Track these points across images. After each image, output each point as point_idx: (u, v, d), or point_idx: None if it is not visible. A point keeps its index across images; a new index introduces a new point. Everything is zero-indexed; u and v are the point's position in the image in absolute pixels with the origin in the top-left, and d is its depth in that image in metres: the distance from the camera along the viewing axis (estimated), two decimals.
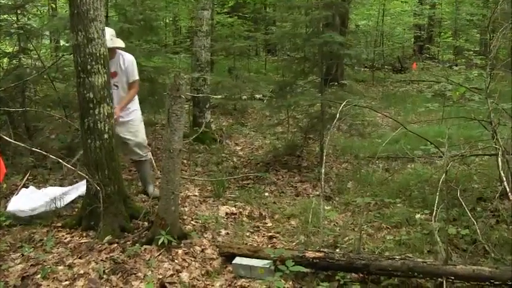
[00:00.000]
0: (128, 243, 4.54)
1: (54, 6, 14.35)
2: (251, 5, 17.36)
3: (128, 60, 5.67)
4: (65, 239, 4.67)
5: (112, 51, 5.38)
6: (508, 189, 3.96)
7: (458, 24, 21.14)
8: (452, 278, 3.64)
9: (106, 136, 4.74)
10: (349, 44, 7.53)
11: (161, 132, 8.51)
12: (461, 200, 4.38)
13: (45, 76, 7.59)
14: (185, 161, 7.32)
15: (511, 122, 5.19)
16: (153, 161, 5.72)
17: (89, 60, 4.59)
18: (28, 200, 5.25)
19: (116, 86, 5.59)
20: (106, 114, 4.72)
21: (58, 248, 4.47)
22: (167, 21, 18.24)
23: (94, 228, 4.75)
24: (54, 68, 7.90)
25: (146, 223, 4.89)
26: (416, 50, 22.57)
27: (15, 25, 7.21)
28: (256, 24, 17.01)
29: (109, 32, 5.24)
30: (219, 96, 10.78)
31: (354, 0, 11.91)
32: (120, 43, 5.59)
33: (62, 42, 11.24)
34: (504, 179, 4.05)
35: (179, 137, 4.42)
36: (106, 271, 4.07)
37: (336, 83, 11.69)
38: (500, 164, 4.20)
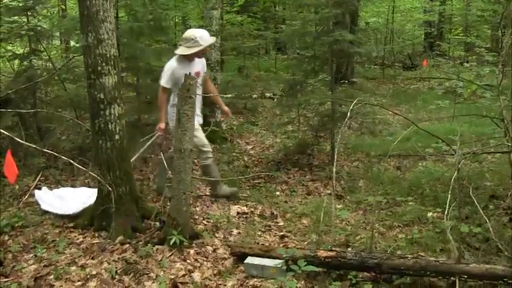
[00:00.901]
0: (140, 243, 4.56)
1: (64, 7, 14.40)
2: (260, 3, 17.32)
3: (204, 60, 5.87)
4: (77, 239, 4.70)
5: (202, 50, 5.57)
6: None
7: (469, 21, 20.93)
8: (465, 276, 3.62)
9: (117, 137, 4.76)
10: (359, 42, 7.49)
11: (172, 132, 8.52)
12: (473, 198, 4.36)
13: (56, 77, 7.62)
14: (196, 161, 7.32)
15: None
16: (164, 161, 5.72)
17: (99, 61, 4.61)
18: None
19: (200, 85, 5.64)
20: (117, 115, 4.74)
21: (70, 249, 4.50)
22: (177, 20, 18.26)
23: (106, 229, 4.78)
24: (65, 69, 7.94)
25: (158, 223, 4.90)
26: (427, 47, 22.45)
27: (26, 27, 7.24)
28: (266, 23, 16.98)
29: (204, 32, 5.54)
30: (229, 95, 10.78)
31: None
32: (212, 40, 5.75)
33: (72, 43, 11.32)
34: None
35: (190, 137, 4.43)
36: (118, 271, 4.09)
37: (347, 81, 11.63)
38: None
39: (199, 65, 5.74)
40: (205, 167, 5.88)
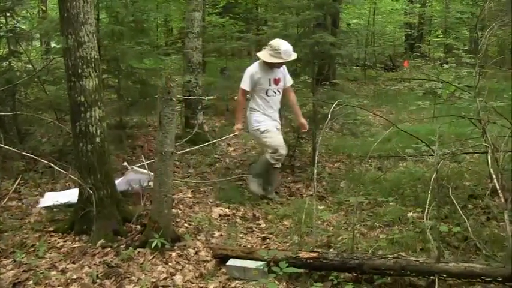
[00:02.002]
0: (121, 246, 4.54)
1: (44, 8, 14.28)
2: (242, 5, 17.34)
3: (285, 67, 6.00)
4: (58, 243, 4.66)
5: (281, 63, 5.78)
6: (498, 187, 3.99)
7: (449, 23, 21.20)
8: (445, 275, 3.66)
9: (98, 140, 4.74)
10: (340, 44, 7.53)
11: (153, 134, 8.50)
12: (452, 197, 4.42)
13: (35, 79, 7.57)
14: (177, 163, 7.31)
15: (500, 119, 5.21)
16: (146, 164, 5.70)
17: (80, 63, 4.59)
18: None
19: (279, 91, 5.93)
20: (98, 117, 4.71)
21: (51, 253, 4.46)
22: (158, 22, 18.21)
23: (87, 232, 4.75)
24: (45, 71, 7.88)
25: (139, 226, 4.88)
26: (408, 48, 22.65)
27: (4, 28, 7.18)
28: (248, 25, 16.99)
29: (289, 47, 5.69)
30: (211, 97, 10.77)
31: (344, 0, 11.90)
32: (294, 56, 5.84)
33: (52, 45, 11.21)
34: (494, 176, 4.07)
35: (171, 139, 4.42)
36: (99, 275, 4.06)
37: (328, 83, 11.66)
38: (490, 161, 4.22)
39: (280, 73, 5.92)
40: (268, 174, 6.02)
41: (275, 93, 5.91)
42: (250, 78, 5.76)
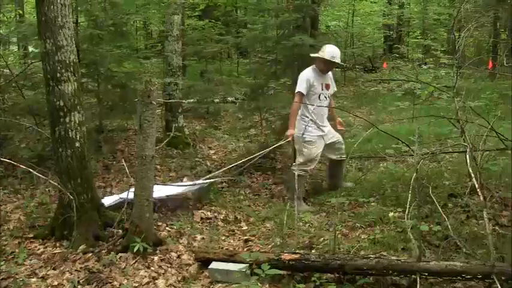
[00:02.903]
0: (103, 251, 4.51)
1: (21, 12, 14.11)
2: (222, 8, 17.32)
3: (333, 74, 6.16)
4: (38, 250, 4.61)
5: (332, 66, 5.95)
6: (476, 185, 4.03)
7: (426, 24, 21.43)
8: (426, 274, 3.70)
9: (78, 144, 4.71)
10: (319, 46, 7.56)
11: (134, 138, 8.46)
12: (433, 197, 4.45)
13: (13, 84, 7.48)
14: (158, 167, 7.28)
15: (478, 118, 5.27)
16: (126, 168, 5.67)
17: (59, 67, 4.56)
18: None
19: (328, 97, 6.03)
20: (77, 122, 4.69)
21: (31, 260, 4.42)
22: (138, 25, 18.12)
23: (68, 238, 4.72)
24: (23, 76, 7.80)
25: (121, 231, 4.85)
26: (387, 50, 22.84)
27: None
28: (228, 27, 16.98)
29: (338, 50, 5.87)
30: (192, 100, 10.74)
31: (323, 2, 11.98)
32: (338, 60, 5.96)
33: (30, 49, 11.10)
34: (473, 175, 4.12)
35: (152, 143, 4.41)
36: (81, 281, 4.04)
37: None
38: (468, 160, 4.27)
39: (329, 79, 6.04)
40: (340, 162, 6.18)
41: (326, 98, 5.98)
42: (307, 83, 5.80)
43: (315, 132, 5.89)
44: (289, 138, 5.80)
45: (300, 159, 5.86)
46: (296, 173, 5.57)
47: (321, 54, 5.85)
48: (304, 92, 5.80)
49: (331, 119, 6.24)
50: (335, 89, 6.26)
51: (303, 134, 5.81)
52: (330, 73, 6.06)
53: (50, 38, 4.51)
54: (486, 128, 4.80)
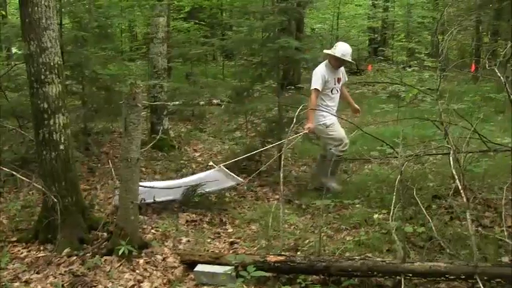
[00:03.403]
0: (88, 255, 4.49)
1: (4, 13, 13.98)
2: (207, 10, 17.32)
3: (343, 69, 6.47)
4: (21, 254, 4.57)
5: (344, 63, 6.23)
6: (460, 187, 4.07)
7: (411, 27, 21.61)
8: (410, 275, 3.73)
9: (62, 147, 4.67)
10: (305, 48, 7.59)
11: (119, 141, 8.42)
12: (417, 198, 4.49)
13: None
14: (144, 169, 7.26)
15: (461, 121, 5.33)
16: (112, 170, 5.65)
17: (43, 70, 4.53)
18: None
19: (339, 90, 6.36)
20: (61, 124, 4.65)
21: (14, 264, 4.38)
22: (123, 27, 18.05)
23: (52, 242, 4.68)
24: (6, 77, 7.73)
25: (106, 234, 4.83)
26: (371, 52, 22.96)
27: None
28: (213, 30, 16.99)
29: (349, 48, 6.16)
30: (177, 103, 10.72)
31: (308, 5, 12.00)
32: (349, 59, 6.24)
33: (14, 51, 11.00)
34: (456, 176, 4.16)
35: (137, 145, 4.39)
36: (65, 285, 4.01)
37: (293, 87, 11.77)
38: (452, 162, 4.31)
39: (341, 73, 6.35)
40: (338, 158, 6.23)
41: (337, 91, 6.31)
42: (322, 79, 6.07)
43: (332, 117, 6.16)
44: (307, 131, 6.03)
45: (334, 143, 6.13)
46: (335, 153, 6.01)
47: (333, 52, 6.10)
48: (320, 88, 6.07)
49: (350, 102, 6.77)
50: (346, 79, 6.58)
51: (322, 121, 6.11)
52: (342, 68, 6.37)
53: (34, 39, 4.48)
54: (469, 130, 4.86)
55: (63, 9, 7.54)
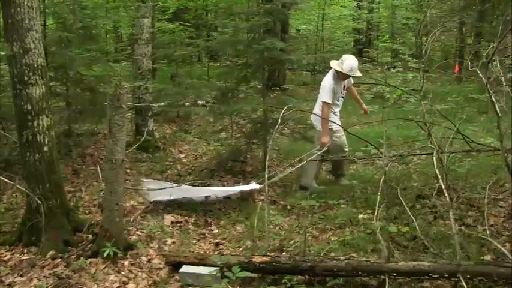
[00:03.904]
0: (72, 257, 4.47)
1: None
2: (192, 11, 17.26)
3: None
4: (5, 256, 4.54)
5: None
6: (443, 186, 4.11)
7: (395, 28, 21.76)
8: (395, 274, 3.75)
9: (46, 148, 4.65)
10: (289, 50, 7.62)
11: (103, 142, 8.38)
12: (401, 198, 4.53)
13: None
14: (129, 171, 7.23)
15: (444, 121, 5.37)
16: (97, 172, 5.63)
17: (26, 71, 4.50)
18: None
19: (344, 97, 6.58)
20: (45, 126, 4.63)
21: None
22: (108, 28, 17.93)
23: (36, 244, 4.64)
24: None
25: (90, 236, 4.81)
26: (356, 53, 23.07)
27: None
28: (198, 31, 16.93)
29: (355, 62, 6.25)
30: (162, 104, 10.68)
31: (293, 6, 12.03)
32: (359, 74, 6.44)
33: None
34: (439, 176, 4.20)
35: (121, 147, 4.38)
36: (49, 287, 3.98)
37: (278, 88, 11.81)
38: (435, 162, 4.35)
39: (346, 81, 6.48)
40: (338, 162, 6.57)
41: (343, 98, 6.57)
42: (330, 92, 6.25)
43: (338, 123, 6.43)
44: (326, 147, 5.98)
45: (333, 148, 6.33)
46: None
47: (340, 68, 6.23)
48: (330, 101, 6.25)
49: (358, 102, 7.03)
50: (352, 82, 6.72)
51: (329, 126, 6.22)
52: None
53: (17, 40, 4.45)
54: (452, 130, 4.91)
55: (46, 10, 7.50)
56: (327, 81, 6.33)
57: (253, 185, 6.03)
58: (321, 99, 6.29)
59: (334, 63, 6.36)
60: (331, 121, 6.21)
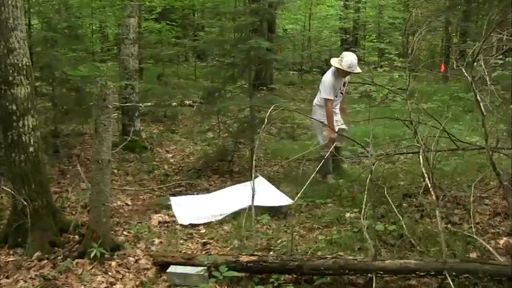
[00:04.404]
0: (59, 258, 4.44)
1: None
2: (179, 11, 17.22)
3: None
4: None
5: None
6: (429, 185, 4.14)
7: (382, 28, 21.86)
8: (382, 272, 3.77)
9: (31, 149, 4.61)
10: (276, 49, 7.62)
11: (90, 143, 8.33)
12: (388, 197, 4.54)
13: None
14: (115, 171, 7.20)
15: (431, 120, 5.41)
16: (82, 173, 5.59)
17: (11, 71, 4.46)
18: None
19: (343, 93, 6.77)
20: (31, 126, 4.59)
21: None
22: (94, 28, 17.84)
23: (22, 245, 4.60)
24: None
25: (77, 236, 4.78)
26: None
27: None
28: (185, 30, 16.90)
29: (354, 59, 6.41)
30: (149, 104, 10.66)
31: (280, 6, 12.05)
32: (358, 70, 6.60)
33: None
34: (426, 175, 4.23)
35: (108, 147, 4.36)
36: None
37: (265, 87, 11.83)
38: (421, 161, 4.38)
39: (346, 78, 6.69)
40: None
41: (342, 94, 6.74)
42: (331, 88, 6.41)
43: (338, 119, 6.63)
44: (335, 142, 6.12)
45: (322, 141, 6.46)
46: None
47: (340, 65, 6.40)
48: (332, 98, 6.44)
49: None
50: (348, 79, 6.86)
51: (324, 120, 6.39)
52: None
53: (1, 40, 4.41)
54: (438, 129, 4.94)
55: (31, 10, 7.44)
56: (328, 78, 6.49)
57: (284, 200, 5.83)
58: (321, 95, 6.48)
59: (334, 61, 6.55)
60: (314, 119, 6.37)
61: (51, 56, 7.39)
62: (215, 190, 6.52)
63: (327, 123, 6.32)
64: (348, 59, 6.37)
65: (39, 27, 8.01)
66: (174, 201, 5.95)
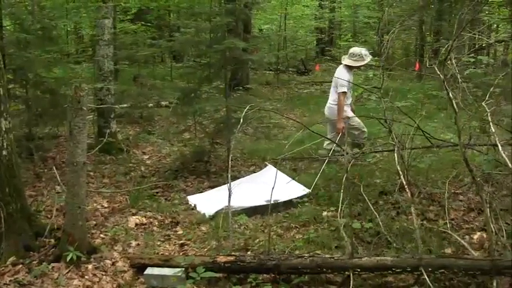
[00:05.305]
0: (34, 262, 4.39)
1: None
2: (154, 11, 17.14)
3: None
4: None
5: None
6: (404, 182, 4.19)
7: (357, 27, 22.07)
8: (359, 270, 3.81)
9: (5, 152, 4.54)
10: (251, 49, 7.63)
11: (65, 145, 8.24)
12: (364, 195, 4.59)
13: None
14: (91, 173, 7.14)
15: (405, 118, 5.47)
16: (57, 176, 5.54)
17: None
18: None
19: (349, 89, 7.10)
20: (4, 129, 4.53)
21: None
22: (68, 29, 17.66)
23: None
24: None
25: (53, 240, 4.73)
26: (319, 52, 23.29)
27: None
28: (161, 31, 16.83)
29: (368, 51, 7.01)
30: (125, 105, 10.58)
31: (255, 6, 12.07)
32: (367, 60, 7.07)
33: None
34: (401, 172, 4.28)
35: (83, 149, 4.32)
36: None
37: (241, 88, 11.84)
38: (397, 158, 4.43)
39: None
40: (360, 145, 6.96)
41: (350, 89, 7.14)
42: (348, 82, 6.83)
43: (349, 110, 7.10)
44: (342, 130, 6.66)
45: (355, 132, 7.00)
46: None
47: (347, 62, 7.00)
48: (348, 91, 6.92)
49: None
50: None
51: (344, 115, 6.82)
52: None
53: None
54: (413, 126, 5.00)
55: (3, 11, 7.33)
56: (343, 74, 6.94)
57: (301, 190, 5.95)
58: (339, 90, 6.85)
59: (344, 59, 7.11)
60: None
61: (25, 58, 7.29)
62: (192, 191, 6.51)
63: (344, 115, 6.78)
64: (354, 51, 6.94)
65: (12, 28, 7.89)
66: (192, 199, 6.13)
